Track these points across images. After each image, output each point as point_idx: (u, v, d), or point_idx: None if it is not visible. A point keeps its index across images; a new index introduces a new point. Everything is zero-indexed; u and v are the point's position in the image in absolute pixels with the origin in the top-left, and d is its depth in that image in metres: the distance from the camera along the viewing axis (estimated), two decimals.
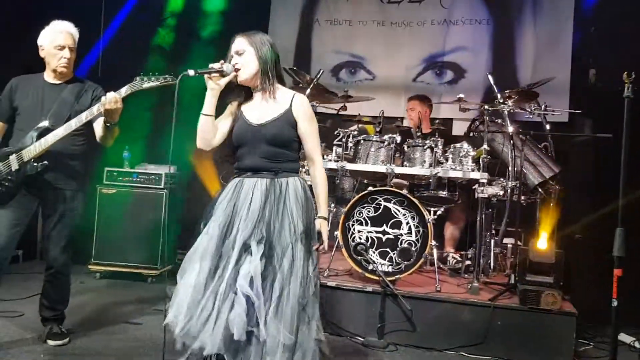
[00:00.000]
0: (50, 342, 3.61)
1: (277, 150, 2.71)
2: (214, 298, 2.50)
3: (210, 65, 2.68)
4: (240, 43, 2.74)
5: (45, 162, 3.43)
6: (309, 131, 2.76)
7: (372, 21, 6.39)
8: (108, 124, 3.41)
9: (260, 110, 2.75)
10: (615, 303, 2.75)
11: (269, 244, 2.55)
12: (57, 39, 3.54)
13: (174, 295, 2.58)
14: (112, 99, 3.27)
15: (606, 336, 4.03)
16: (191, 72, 2.61)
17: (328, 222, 2.77)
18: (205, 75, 2.67)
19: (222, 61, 2.70)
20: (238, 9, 6.37)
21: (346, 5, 6.49)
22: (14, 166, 3.41)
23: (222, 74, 2.69)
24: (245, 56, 2.72)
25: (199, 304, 2.50)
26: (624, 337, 4.17)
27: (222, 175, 5.44)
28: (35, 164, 3.41)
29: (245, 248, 2.56)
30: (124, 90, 3.34)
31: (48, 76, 3.62)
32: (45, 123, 3.44)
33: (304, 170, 4.51)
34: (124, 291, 5.16)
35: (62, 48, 3.54)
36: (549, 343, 3.83)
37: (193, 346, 2.45)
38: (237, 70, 2.71)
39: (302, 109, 2.75)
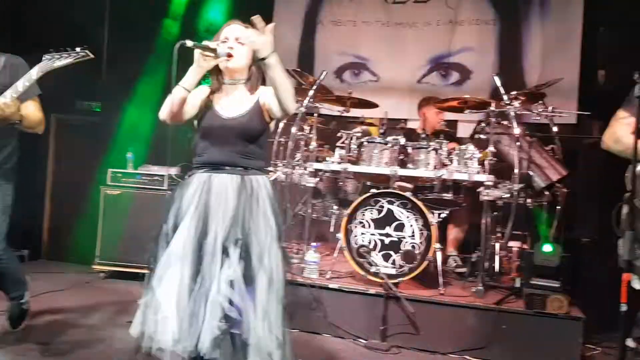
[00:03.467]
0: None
1: (247, 145, 2.62)
2: (201, 304, 2.41)
3: (206, 43, 2.59)
4: (240, 31, 2.65)
5: None
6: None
7: (376, 22, 6.35)
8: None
9: (232, 104, 2.67)
10: (624, 308, 2.69)
11: (245, 245, 2.47)
12: None
13: (153, 305, 2.45)
14: (8, 106, 3.04)
15: (614, 341, 3.96)
16: (189, 43, 2.51)
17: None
18: (198, 51, 2.57)
19: (218, 42, 2.63)
20: (240, 9, 6.36)
21: (350, 6, 6.45)
22: None
23: (216, 55, 2.59)
24: (243, 48, 2.63)
25: (185, 311, 2.41)
26: (632, 343, 4.09)
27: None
28: None
29: (224, 251, 2.46)
30: (35, 73, 3.10)
31: None
32: None
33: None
34: (127, 291, 5.15)
35: None
36: (555, 348, 3.78)
37: (181, 352, 2.40)
38: (229, 55, 2.60)
39: (266, 91, 2.64)
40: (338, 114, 5.28)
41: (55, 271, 5.69)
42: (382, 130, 4.79)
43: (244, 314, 2.41)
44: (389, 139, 4.60)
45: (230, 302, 2.39)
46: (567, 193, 4.64)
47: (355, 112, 5.30)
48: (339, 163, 4.65)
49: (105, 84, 6.53)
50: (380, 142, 4.62)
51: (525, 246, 4.51)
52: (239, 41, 2.62)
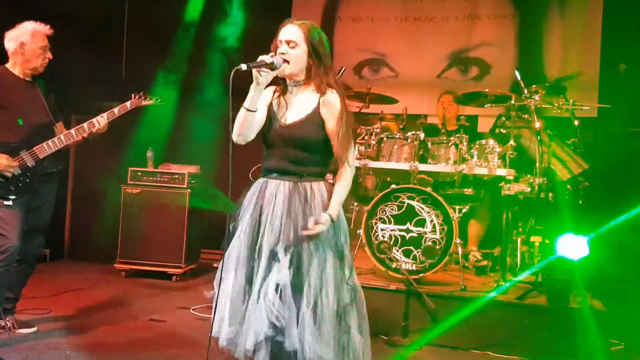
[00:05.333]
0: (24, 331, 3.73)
1: (303, 153, 2.56)
2: (251, 307, 2.43)
3: (261, 58, 2.46)
4: (295, 33, 2.54)
5: (63, 163, 3.73)
6: (334, 131, 2.53)
7: (395, 17, 6.34)
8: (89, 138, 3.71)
9: (291, 109, 2.61)
10: None
11: (297, 252, 2.45)
12: (43, 40, 3.67)
13: (216, 304, 2.49)
14: (105, 126, 3.70)
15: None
16: (244, 67, 2.41)
17: (332, 222, 2.49)
18: (254, 70, 2.46)
19: (272, 53, 2.51)
20: (259, 8, 6.38)
21: (369, 2, 6.44)
22: (30, 163, 3.51)
23: (272, 67, 2.47)
24: (296, 50, 2.53)
25: (238, 312, 2.46)
26: None
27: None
28: (57, 163, 3.66)
29: (273, 256, 2.46)
30: (129, 105, 3.78)
31: (20, 72, 3.67)
32: (50, 121, 3.65)
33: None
34: (148, 289, 5.20)
35: (46, 49, 3.69)
36: (579, 343, 3.74)
37: (235, 354, 2.44)
38: (285, 61, 2.51)
39: (329, 107, 2.54)
40: (357, 110, 5.26)
41: (77, 270, 5.77)
42: (401, 126, 4.77)
43: (288, 322, 2.37)
44: (409, 134, 4.59)
45: (276, 310, 2.36)
46: (589, 186, 4.59)
47: (374, 108, 5.28)
48: (359, 159, 4.64)
49: (125, 83, 6.59)
50: (399, 138, 4.60)
51: (547, 241, 4.47)
52: (290, 45, 2.52)
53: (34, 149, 3.52)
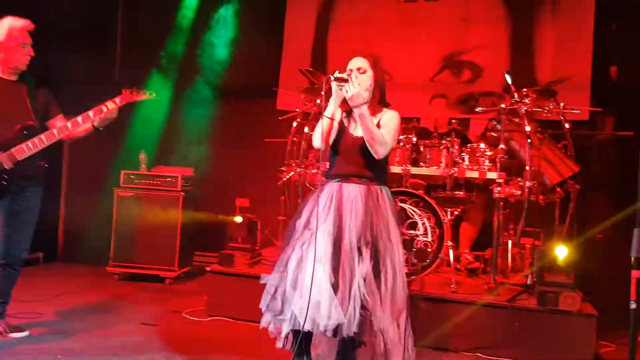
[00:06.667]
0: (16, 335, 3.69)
1: (372, 159, 2.99)
2: (344, 294, 2.79)
3: (340, 76, 2.96)
4: (362, 62, 3.09)
5: (45, 164, 3.58)
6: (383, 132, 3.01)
7: (388, 20, 6.33)
8: (99, 128, 3.65)
9: (360, 123, 3.03)
10: (633, 305, 2.68)
11: (375, 247, 2.88)
12: (22, 37, 3.51)
13: (298, 290, 2.85)
14: (115, 111, 3.62)
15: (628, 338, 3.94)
16: (332, 77, 2.96)
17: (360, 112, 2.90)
18: (335, 83, 2.96)
19: (348, 72, 3.00)
20: (253, 10, 6.39)
21: (363, 5, 6.43)
22: (7, 165, 3.41)
23: (346, 82, 2.96)
24: (365, 76, 3.04)
25: (327, 297, 2.78)
26: None
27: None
28: (38, 164, 3.56)
29: (357, 249, 2.87)
30: (118, 101, 3.66)
31: (2, 72, 3.55)
32: (31, 122, 3.51)
33: None
34: (141, 292, 5.20)
35: (26, 45, 3.53)
36: (569, 345, 3.77)
37: (327, 326, 2.76)
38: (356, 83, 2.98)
39: (387, 119, 3.08)
40: None
41: (70, 273, 5.78)
42: None
43: (372, 305, 2.80)
44: (402, 137, 4.61)
45: (365, 295, 2.80)
46: (580, 189, 4.62)
47: None
48: None
49: (118, 85, 6.59)
50: None
51: (537, 243, 4.49)
52: (360, 71, 3.06)
53: (12, 150, 3.40)
